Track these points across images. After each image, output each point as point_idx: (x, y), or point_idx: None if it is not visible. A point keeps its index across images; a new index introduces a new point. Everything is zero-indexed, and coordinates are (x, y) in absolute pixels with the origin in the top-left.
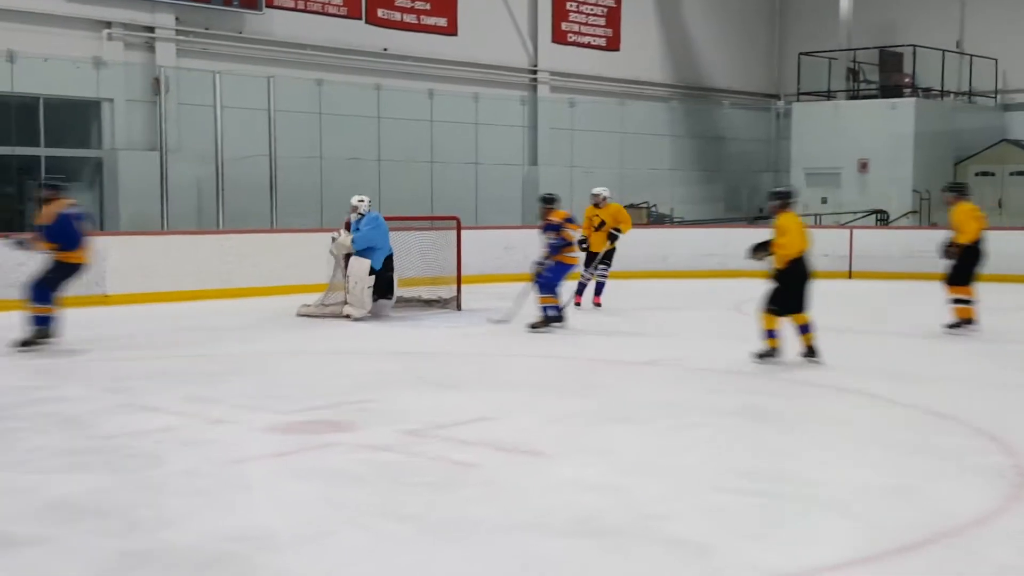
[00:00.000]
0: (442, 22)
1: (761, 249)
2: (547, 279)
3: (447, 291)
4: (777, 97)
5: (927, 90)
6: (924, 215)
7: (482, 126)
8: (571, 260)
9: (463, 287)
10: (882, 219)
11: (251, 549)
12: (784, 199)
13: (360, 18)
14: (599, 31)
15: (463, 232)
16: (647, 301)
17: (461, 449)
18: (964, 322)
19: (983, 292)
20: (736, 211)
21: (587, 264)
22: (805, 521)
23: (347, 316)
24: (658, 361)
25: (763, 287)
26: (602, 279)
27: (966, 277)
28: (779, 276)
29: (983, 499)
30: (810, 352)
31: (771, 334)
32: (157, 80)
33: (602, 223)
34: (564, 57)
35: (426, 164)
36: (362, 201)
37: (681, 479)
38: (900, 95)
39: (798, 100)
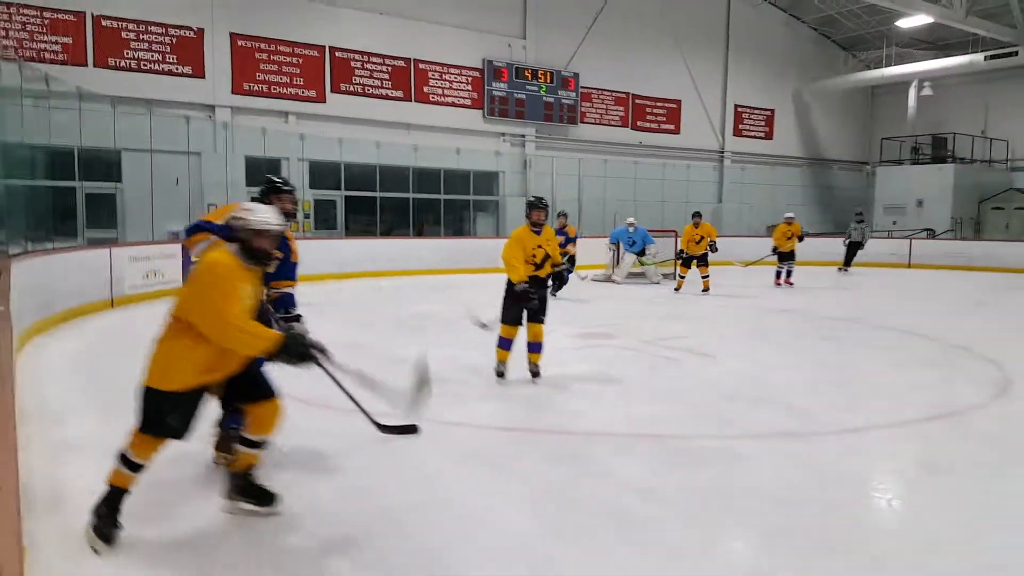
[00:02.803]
0: (671, 127)
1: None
2: None
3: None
4: (867, 163)
5: (962, 159)
6: (957, 232)
7: (692, 183)
8: None
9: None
10: (930, 234)
11: (559, 393)
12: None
13: (627, 126)
14: (761, 128)
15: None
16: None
17: (671, 351)
18: None
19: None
20: (842, 233)
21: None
22: None
23: (613, 280)
24: (790, 311)
25: None
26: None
27: None
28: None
29: None
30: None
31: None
32: (526, 161)
33: (792, 235)
34: (740, 144)
35: (658, 203)
36: (633, 223)
37: (761, 366)
38: (944, 162)
39: (880, 165)
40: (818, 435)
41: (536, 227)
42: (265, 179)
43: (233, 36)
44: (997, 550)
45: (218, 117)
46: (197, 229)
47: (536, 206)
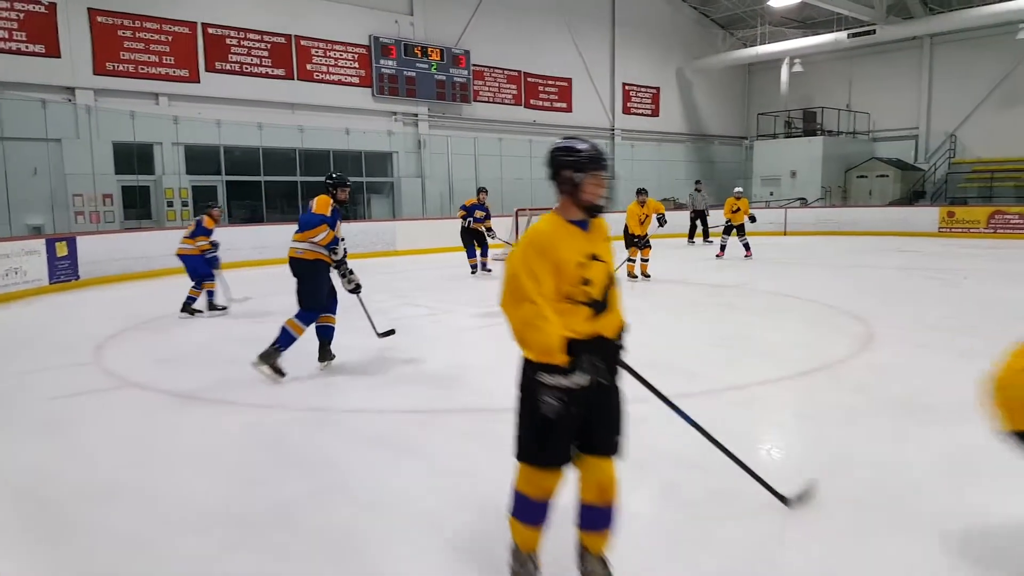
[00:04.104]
0: (563, 105)
1: None
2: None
3: None
4: (745, 138)
5: (830, 131)
6: (827, 200)
7: None
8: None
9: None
10: (803, 202)
11: (464, 372)
12: None
13: (520, 104)
14: (648, 106)
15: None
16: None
17: None
18: None
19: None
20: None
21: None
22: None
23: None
24: (683, 282)
25: None
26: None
27: None
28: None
29: None
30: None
31: None
32: (420, 140)
33: (738, 210)
34: (629, 121)
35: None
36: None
37: (656, 334)
38: (814, 135)
39: (757, 139)
40: (708, 394)
41: (589, 213)
42: (327, 176)
43: (91, 12)
44: (861, 481)
45: (79, 100)
46: (320, 221)
47: (596, 161)
